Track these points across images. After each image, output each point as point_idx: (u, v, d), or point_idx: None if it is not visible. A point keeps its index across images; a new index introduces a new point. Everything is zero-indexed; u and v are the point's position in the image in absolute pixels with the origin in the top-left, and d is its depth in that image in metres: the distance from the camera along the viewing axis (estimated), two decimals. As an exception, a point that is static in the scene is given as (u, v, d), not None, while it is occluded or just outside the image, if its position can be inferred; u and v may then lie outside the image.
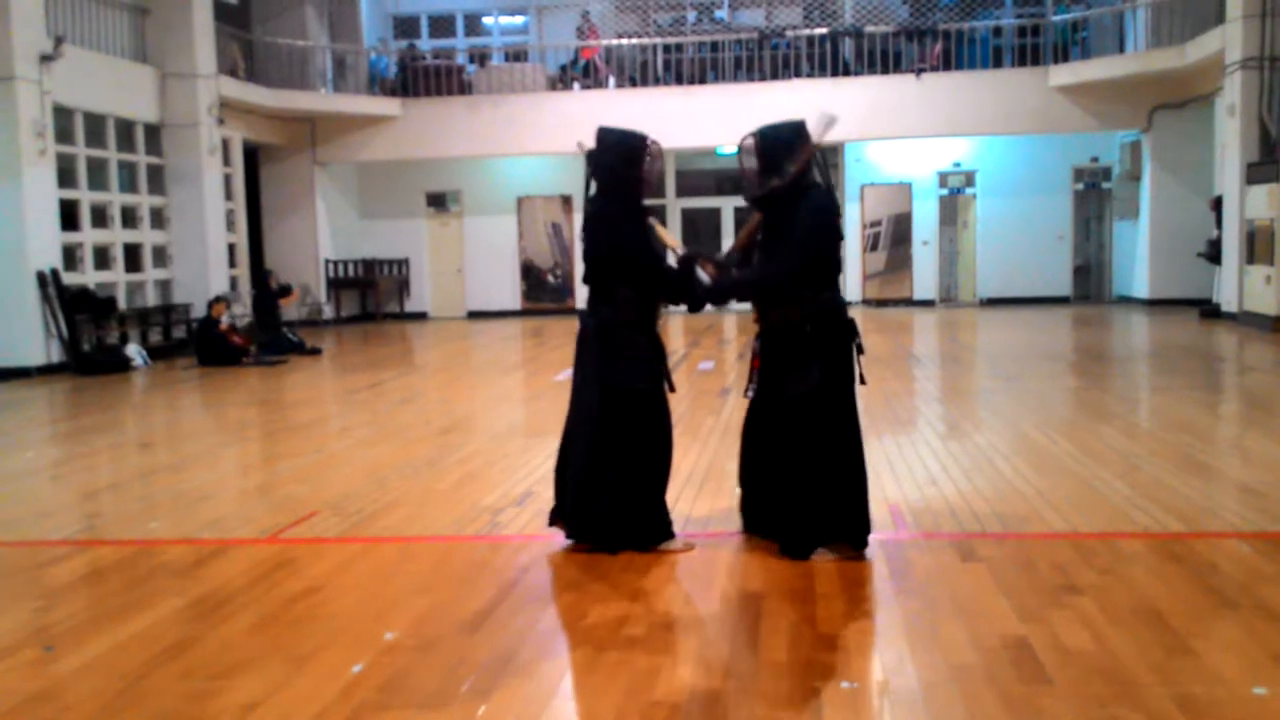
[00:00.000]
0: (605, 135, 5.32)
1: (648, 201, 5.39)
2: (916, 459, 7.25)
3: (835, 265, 5.13)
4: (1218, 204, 17.35)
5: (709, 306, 5.46)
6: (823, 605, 4.42)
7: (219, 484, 7.49)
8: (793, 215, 5.05)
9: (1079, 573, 4.72)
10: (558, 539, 5.53)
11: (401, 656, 4.01)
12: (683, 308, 5.39)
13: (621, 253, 5.18)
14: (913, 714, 3.41)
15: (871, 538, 5.34)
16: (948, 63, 20.90)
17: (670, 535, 5.33)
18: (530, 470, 7.25)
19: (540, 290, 23.42)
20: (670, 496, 6.31)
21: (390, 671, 3.87)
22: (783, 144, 5.11)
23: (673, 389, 5.33)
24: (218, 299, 15.68)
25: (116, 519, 6.41)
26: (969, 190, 22.47)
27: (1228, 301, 16.80)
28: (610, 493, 5.16)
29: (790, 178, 5.05)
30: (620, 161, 5.25)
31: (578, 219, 22.78)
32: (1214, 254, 17.55)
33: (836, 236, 5.14)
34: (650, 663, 3.88)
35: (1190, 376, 11.34)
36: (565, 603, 4.58)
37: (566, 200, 23.12)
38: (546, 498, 6.38)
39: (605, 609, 4.47)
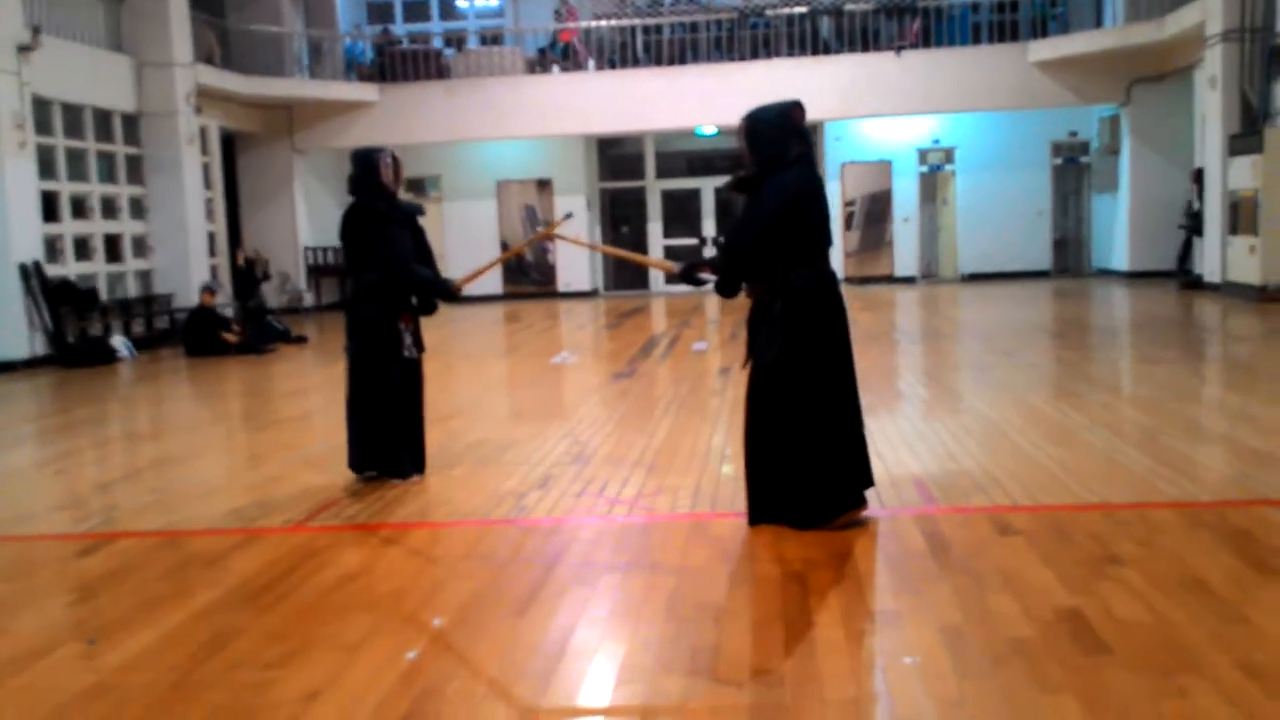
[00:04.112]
0: (353, 155, 6.59)
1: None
2: (932, 434, 7.25)
3: (812, 241, 5.07)
4: (1199, 176, 17.47)
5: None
6: (868, 581, 4.43)
7: (231, 474, 7.42)
8: (757, 196, 5.07)
9: (1117, 543, 4.73)
10: (589, 520, 5.54)
11: (455, 642, 3.98)
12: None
13: (361, 245, 6.37)
14: (982, 688, 3.40)
15: (903, 511, 5.39)
16: (927, 40, 20.92)
17: (404, 475, 6.46)
18: (545, 455, 7.21)
19: (521, 274, 23.32)
20: (690, 477, 6.33)
21: (446, 657, 3.84)
22: (765, 125, 5.13)
23: (413, 354, 6.48)
24: (206, 288, 15.54)
25: (133, 511, 6.32)
26: (948, 167, 22.53)
27: (1210, 272, 16.93)
28: (361, 435, 6.45)
29: (760, 164, 5.08)
30: (363, 171, 6.45)
31: (557, 202, 22.92)
32: (1194, 225, 17.69)
33: (811, 213, 5.04)
34: (705, 643, 3.86)
35: (1186, 348, 11.42)
36: (608, 584, 4.55)
37: (544, 184, 23.01)
38: (567, 481, 6.40)
39: (650, 589, 4.45)
